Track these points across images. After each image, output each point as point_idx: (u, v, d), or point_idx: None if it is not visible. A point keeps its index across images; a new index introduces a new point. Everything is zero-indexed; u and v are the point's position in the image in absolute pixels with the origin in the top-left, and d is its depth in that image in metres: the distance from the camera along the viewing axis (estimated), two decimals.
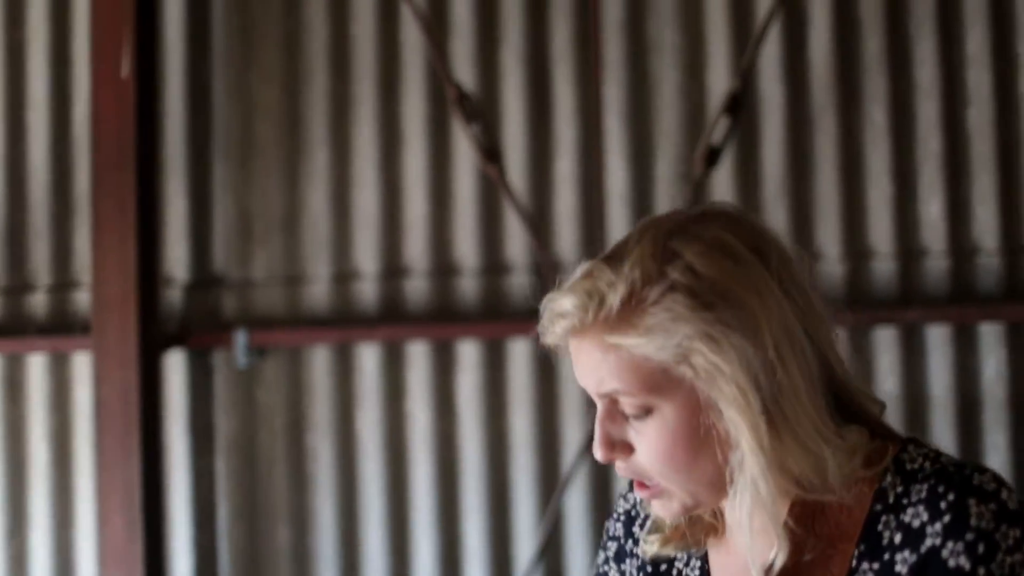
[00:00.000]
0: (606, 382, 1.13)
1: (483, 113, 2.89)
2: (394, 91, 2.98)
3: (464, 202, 2.95)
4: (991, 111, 2.75)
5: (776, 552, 1.14)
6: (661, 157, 2.89)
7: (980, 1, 2.74)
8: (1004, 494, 1.08)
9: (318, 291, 2.99)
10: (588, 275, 1.14)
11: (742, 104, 2.78)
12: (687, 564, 1.33)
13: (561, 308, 1.14)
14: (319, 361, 2.97)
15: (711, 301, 1.10)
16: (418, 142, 2.97)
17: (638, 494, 1.20)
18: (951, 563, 1.06)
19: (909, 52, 2.78)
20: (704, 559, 1.31)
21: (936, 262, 2.76)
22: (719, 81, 2.85)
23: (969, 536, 1.06)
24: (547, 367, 2.91)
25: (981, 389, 2.73)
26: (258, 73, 3.02)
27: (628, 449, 1.15)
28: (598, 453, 1.16)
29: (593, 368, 1.14)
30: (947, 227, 2.76)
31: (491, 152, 2.85)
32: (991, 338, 2.73)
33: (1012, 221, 2.74)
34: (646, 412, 1.13)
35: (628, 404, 1.13)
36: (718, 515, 1.28)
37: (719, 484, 1.16)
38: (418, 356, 2.95)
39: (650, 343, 1.10)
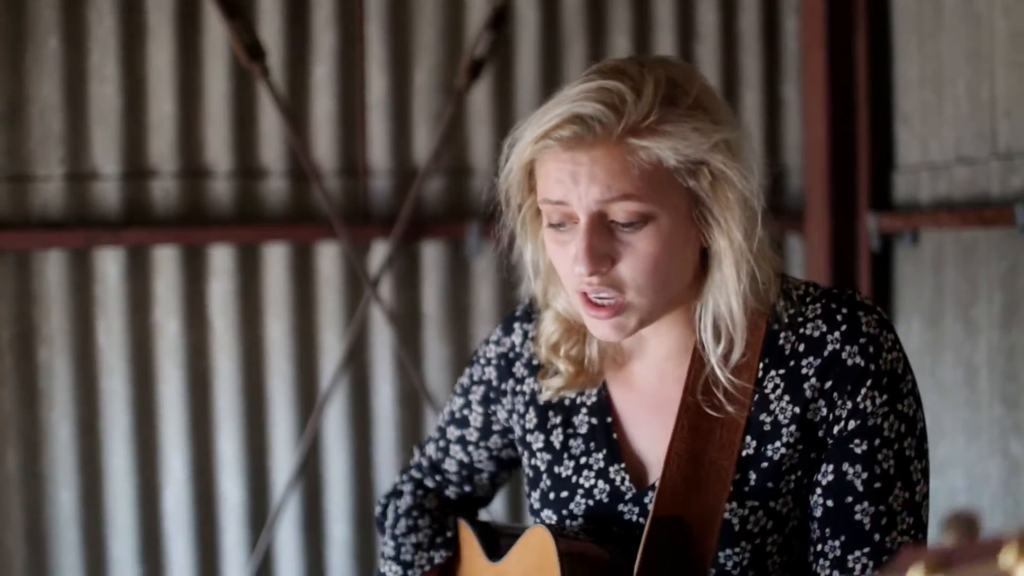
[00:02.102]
0: (615, 187, 1.13)
1: (244, 9, 2.59)
2: None
3: (216, 102, 2.65)
4: (716, 46, 2.87)
5: (736, 349, 1.21)
6: (420, 67, 2.75)
7: None
8: (878, 308, 1.23)
9: (51, 191, 2.55)
10: (604, 90, 1.14)
11: (505, 20, 2.70)
12: (581, 392, 1.34)
13: (587, 112, 1.13)
14: (52, 268, 2.56)
15: (720, 120, 1.17)
16: (165, 35, 2.61)
17: (595, 315, 1.19)
18: (849, 362, 1.19)
19: None
20: (602, 387, 1.33)
21: None
22: None
23: (862, 340, 1.20)
24: (304, 273, 2.69)
25: None
26: None
27: (610, 262, 1.16)
28: (585, 263, 1.15)
29: (604, 173, 1.13)
30: None
31: (254, 49, 2.56)
32: None
33: None
34: (643, 220, 1.15)
35: (628, 212, 1.15)
36: (621, 347, 1.32)
37: (678, 299, 1.22)
38: (166, 262, 2.62)
39: (673, 149, 1.13)
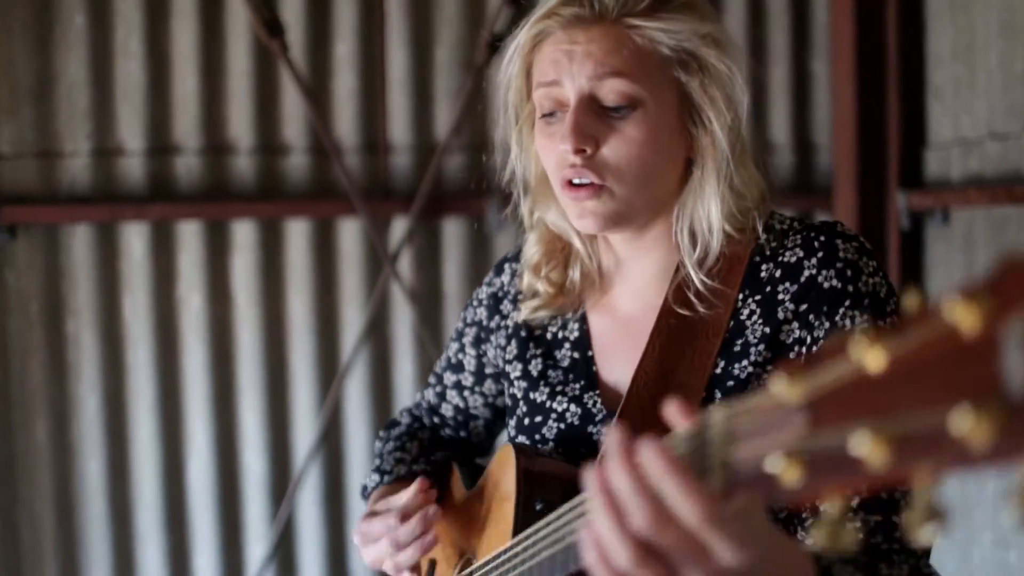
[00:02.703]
0: (608, 63, 1.15)
1: None
2: None
3: (238, 79, 2.64)
4: (743, 19, 2.79)
5: (711, 255, 1.19)
6: (441, 43, 2.71)
7: None
8: (861, 237, 1.20)
9: (78, 166, 2.57)
10: None
11: None
12: (564, 327, 1.33)
13: None
14: (80, 242, 2.58)
15: (713, 22, 1.20)
16: (188, 13, 2.62)
17: (574, 196, 1.19)
18: (826, 285, 1.16)
19: None
20: (583, 321, 1.31)
21: None
22: None
23: (839, 264, 1.16)
24: (326, 249, 2.68)
25: None
26: None
27: (595, 144, 1.17)
28: (571, 139, 1.16)
29: (599, 50, 1.15)
30: None
31: (273, 25, 2.55)
32: None
33: (759, 122, 2.81)
34: (631, 105, 1.16)
35: (617, 92, 1.16)
36: (603, 273, 1.31)
37: (658, 201, 1.21)
38: (190, 237, 2.63)
39: (666, 32, 1.15)
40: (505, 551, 1.15)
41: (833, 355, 0.60)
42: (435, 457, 1.47)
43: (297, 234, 2.67)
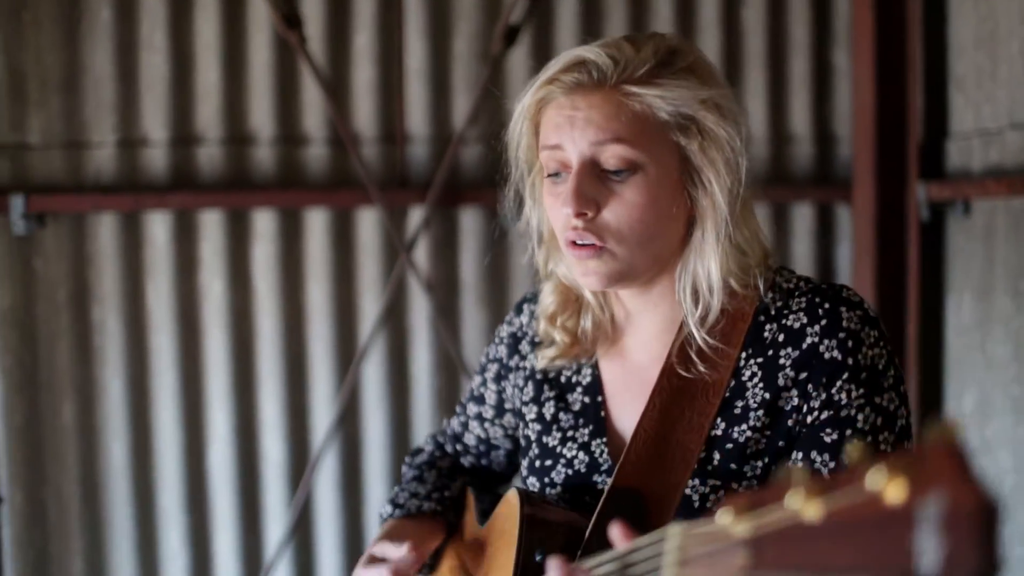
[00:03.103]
0: (608, 129, 1.18)
1: None
2: None
3: (259, 71, 2.68)
4: (763, 11, 2.75)
5: (712, 312, 1.22)
6: (459, 35, 2.72)
7: None
8: (865, 304, 1.23)
9: (103, 156, 2.63)
10: (607, 44, 1.22)
11: None
12: (578, 372, 1.36)
13: (590, 57, 1.20)
14: (105, 230, 2.63)
15: (712, 85, 1.21)
16: (210, 7, 2.66)
17: (577, 255, 1.22)
18: (827, 356, 1.18)
19: None
20: (595, 367, 1.35)
21: None
22: None
23: (841, 335, 1.18)
24: (344, 238, 2.71)
25: None
26: None
27: (596, 207, 1.20)
28: (572, 203, 1.19)
29: (599, 116, 1.18)
30: None
31: (291, 18, 2.57)
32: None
33: (779, 113, 2.77)
34: (632, 169, 1.19)
35: (618, 157, 1.18)
36: (615, 323, 1.34)
37: (661, 260, 1.24)
38: (211, 225, 2.67)
39: (663, 99, 1.18)
40: None
41: (776, 497, 0.63)
42: (449, 493, 1.51)
43: (316, 223, 2.70)
